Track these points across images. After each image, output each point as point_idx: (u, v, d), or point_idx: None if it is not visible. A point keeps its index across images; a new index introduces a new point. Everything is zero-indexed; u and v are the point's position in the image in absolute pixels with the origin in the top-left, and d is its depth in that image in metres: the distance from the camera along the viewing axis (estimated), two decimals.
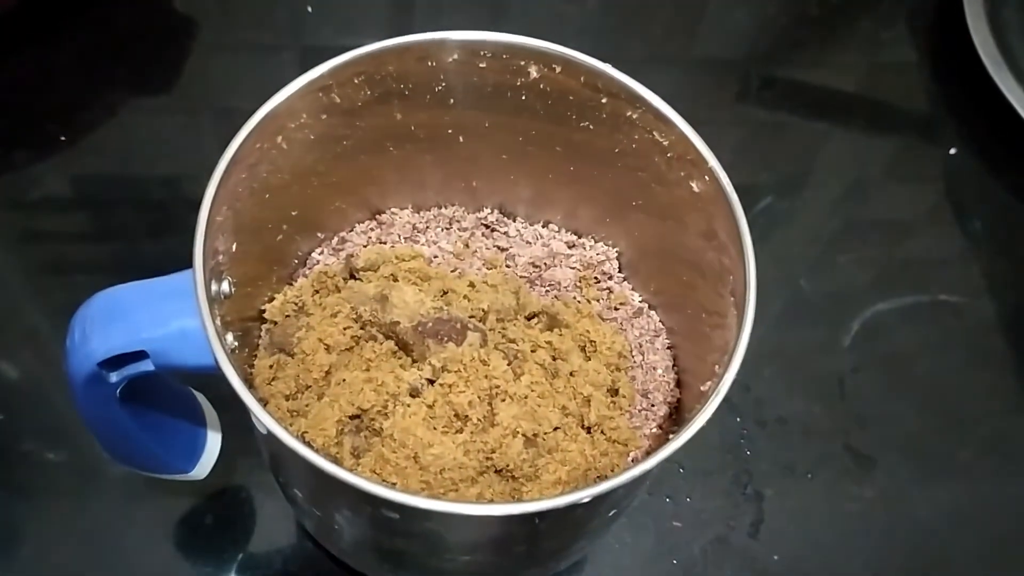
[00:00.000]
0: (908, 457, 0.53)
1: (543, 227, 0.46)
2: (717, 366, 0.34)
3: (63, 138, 0.59)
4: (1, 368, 0.52)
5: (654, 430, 0.40)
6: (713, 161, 0.36)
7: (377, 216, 0.46)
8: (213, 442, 0.43)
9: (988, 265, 0.61)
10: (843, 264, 0.60)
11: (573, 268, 0.45)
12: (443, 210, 0.46)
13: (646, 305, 0.44)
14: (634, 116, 0.38)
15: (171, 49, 0.64)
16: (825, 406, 0.54)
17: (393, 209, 0.46)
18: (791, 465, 0.52)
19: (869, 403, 0.55)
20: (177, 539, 0.48)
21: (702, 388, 0.36)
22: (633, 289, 0.45)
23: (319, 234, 0.44)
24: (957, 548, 0.51)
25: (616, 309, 0.44)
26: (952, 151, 0.66)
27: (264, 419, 0.30)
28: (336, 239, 0.45)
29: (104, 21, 0.65)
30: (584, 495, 0.29)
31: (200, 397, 0.43)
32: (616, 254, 0.45)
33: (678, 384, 0.42)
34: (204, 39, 0.65)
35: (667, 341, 0.43)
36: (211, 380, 0.43)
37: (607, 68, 0.37)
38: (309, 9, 0.66)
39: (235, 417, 0.42)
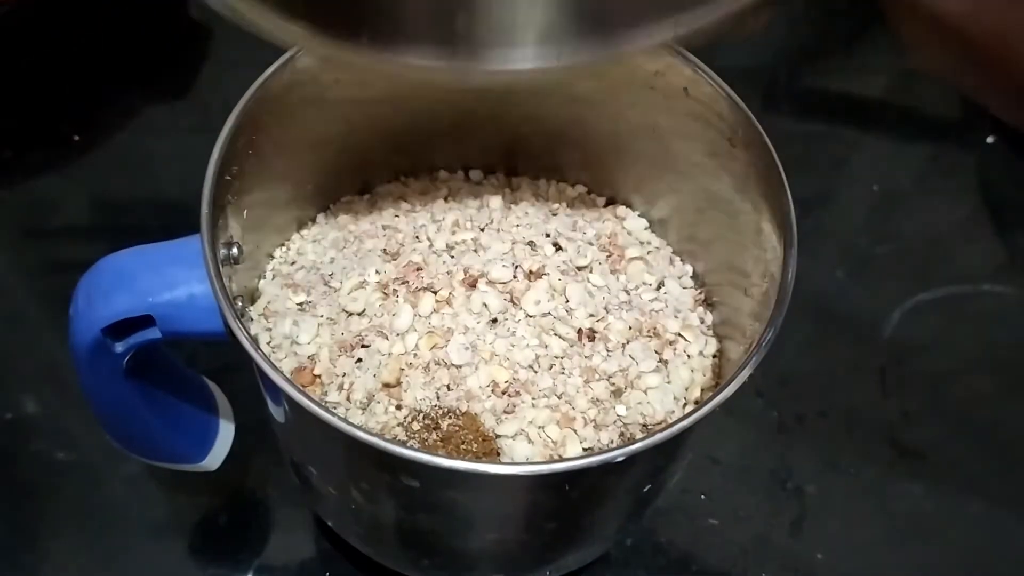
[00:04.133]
0: (959, 451, 0.50)
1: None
2: (756, 321, 0.32)
3: (77, 138, 0.59)
4: (10, 368, 0.50)
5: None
6: (747, 112, 0.34)
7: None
8: (226, 432, 0.41)
9: None
10: (881, 256, 0.58)
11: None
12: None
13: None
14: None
15: (186, 53, 0.64)
16: (867, 400, 0.52)
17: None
18: (833, 461, 0.50)
19: (914, 396, 0.52)
20: (190, 540, 0.46)
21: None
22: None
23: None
24: (1012, 547, 0.48)
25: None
26: (990, 139, 0.64)
27: (274, 376, 0.28)
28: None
29: (119, 26, 0.65)
30: (618, 454, 0.27)
31: (212, 385, 0.41)
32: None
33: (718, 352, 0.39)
34: (219, 42, 0.65)
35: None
36: (223, 372, 0.43)
37: None
38: None
39: (249, 416, 0.41)
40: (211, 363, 0.47)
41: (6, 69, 0.62)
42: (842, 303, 0.56)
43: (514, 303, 0.36)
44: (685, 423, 0.28)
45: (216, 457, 0.40)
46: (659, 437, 0.28)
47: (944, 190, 0.63)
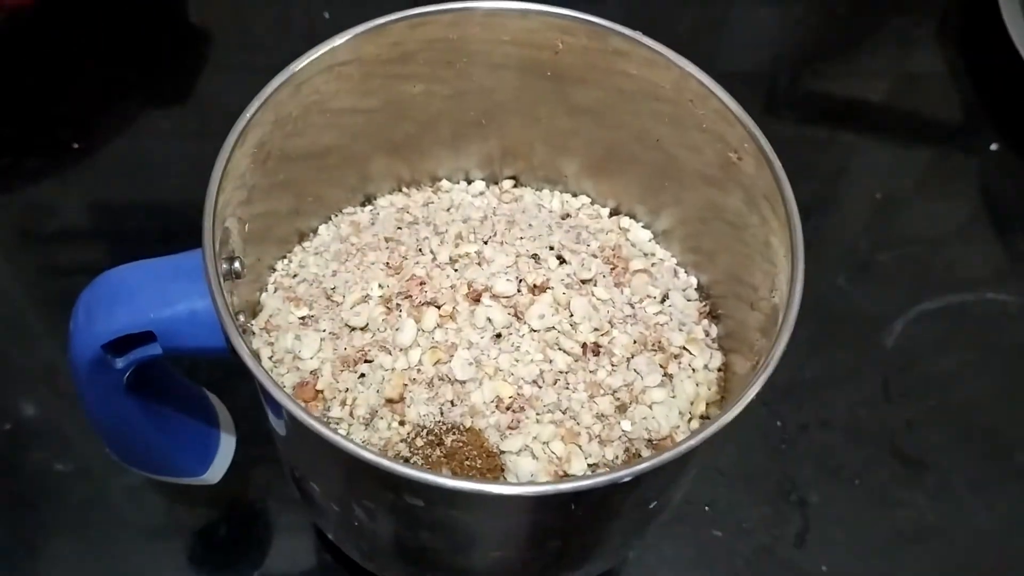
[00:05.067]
0: (961, 460, 0.50)
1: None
2: (763, 335, 0.31)
3: (76, 145, 0.59)
4: (8, 377, 0.50)
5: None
6: (752, 126, 0.34)
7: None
8: (227, 445, 0.41)
9: None
10: (884, 263, 0.58)
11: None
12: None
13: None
14: (665, 85, 0.36)
15: (186, 58, 0.64)
16: (870, 409, 0.52)
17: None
18: (836, 470, 0.49)
19: (917, 405, 0.52)
20: (190, 551, 0.45)
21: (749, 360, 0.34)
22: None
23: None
24: (1016, 555, 0.48)
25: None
26: (993, 147, 0.64)
27: (276, 394, 0.28)
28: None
29: (118, 31, 0.65)
30: (624, 474, 0.27)
31: (214, 398, 0.41)
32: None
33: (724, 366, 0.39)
34: (219, 48, 0.64)
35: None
36: (224, 382, 0.43)
37: (638, 35, 0.36)
38: (326, 15, 0.66)
39: (250, 427, 0.41)
40: (212, 374, 0.47)
41: (5, 74, 0.62)
42: (844, 310, 0.56)
43: (518, 317, 0.36)
44: (692, 443, 0.28)
45: (217, 470, 0.40)
46: (665, 457, 0.27)
47: (946, 196, 0.63)
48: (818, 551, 0.47)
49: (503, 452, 0.33)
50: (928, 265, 0.59)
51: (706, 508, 0.47)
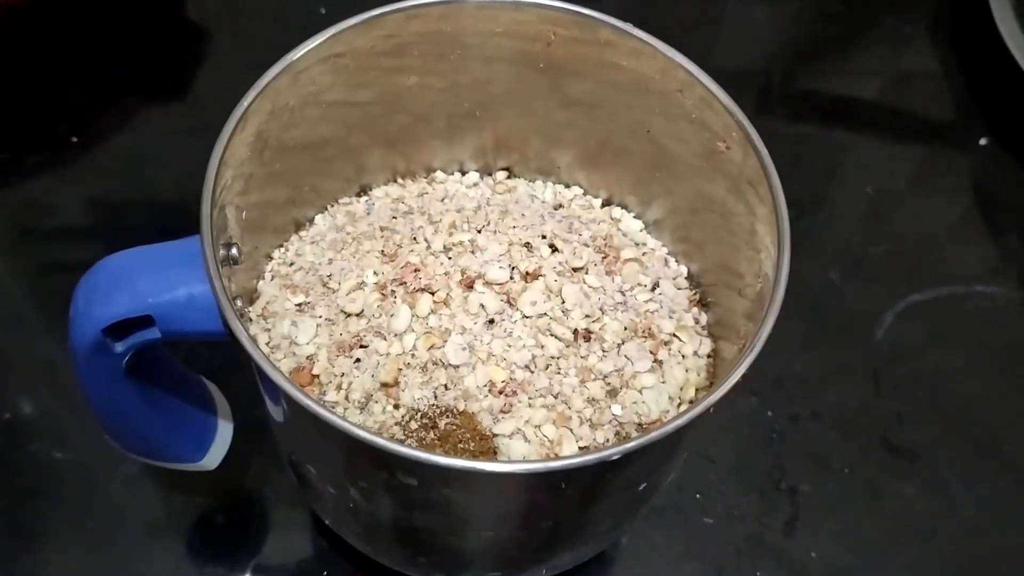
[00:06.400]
0: (950, 452, 0.51)
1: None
2: (750, 321, 0.32)
3: (75, 139, 0.59)
4: (8, 368, 0.51)
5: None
6: (740, 114, 0.34)
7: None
8: (224, 431, 0.41)
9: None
10: (876, 258, 0.58)
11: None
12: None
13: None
14: (656, 77, 0.37)
15: (184, 55, 0.64)
16: (860, 400, 0.52)
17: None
18: (827, 460, 0.50)
19: (907, 397, 0.53)
20: (187, 540, 0.46)
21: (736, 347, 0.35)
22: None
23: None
24: (1004, 546, 0.48)
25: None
26: (983, 141, 0.64)
27: (273, 375, 0.28)
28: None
29: (117, 28, 0.65)
30: (613, 452, 0.28)
31: (211, 385, 0.41)
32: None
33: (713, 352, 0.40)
34: (217, 44, 0.65)
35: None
36: (221, 371, 0.44)
37: (627, 26, 0.36)
38: (322, 11, 0.66)
39: (247, 414, 0.41)
40: (209, 362, 0.47)
41: (4, 71, 0.62)
42: (836, 304, 0.57)
43: (511, 304, 0.37)
44: (679, 422, 0.28)
45: (215, 457, 0.41)
46: (653, 436, 0.28)
47: (937, 192, 0.63)
48: (807, 539, 0.47)
49: (496, 435, 0.34)
50: (920, 259, 0.59)
51: (697, 496, 0.48)
